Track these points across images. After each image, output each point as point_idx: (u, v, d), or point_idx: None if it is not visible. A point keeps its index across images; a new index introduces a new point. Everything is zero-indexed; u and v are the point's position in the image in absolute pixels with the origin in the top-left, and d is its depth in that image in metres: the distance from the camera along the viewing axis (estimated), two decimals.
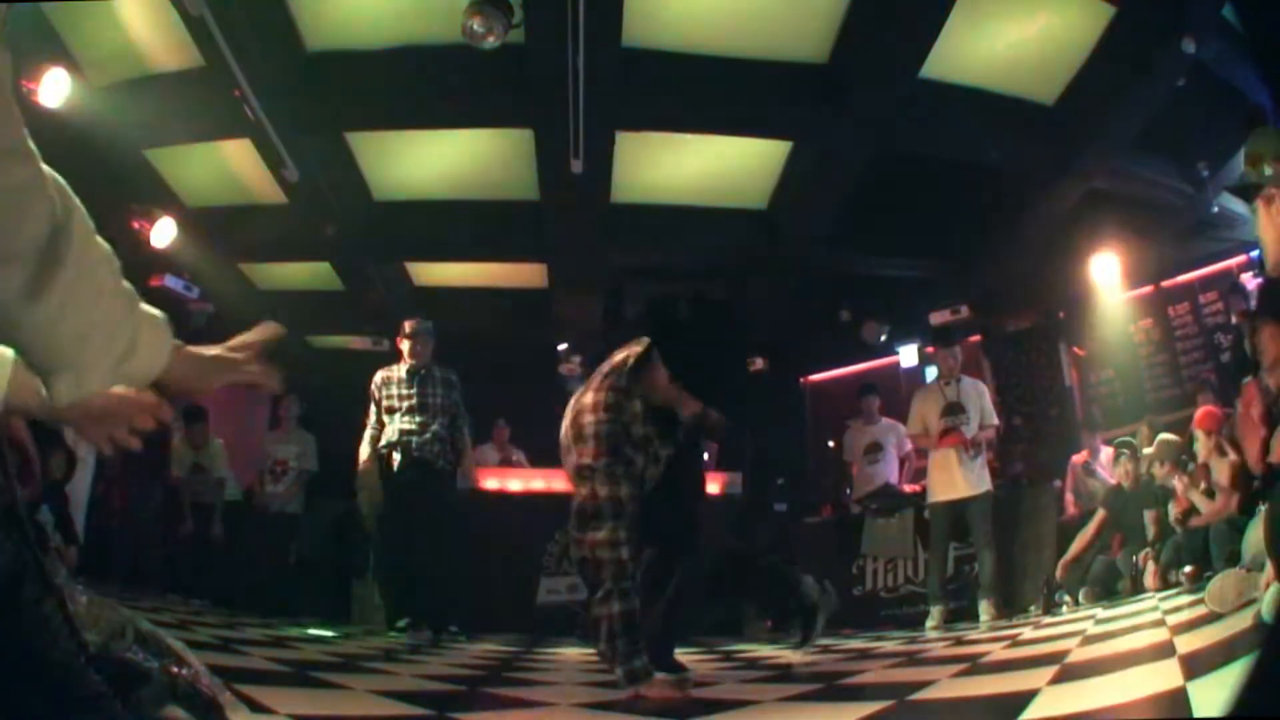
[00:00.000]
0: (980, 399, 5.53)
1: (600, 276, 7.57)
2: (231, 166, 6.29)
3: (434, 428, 4.80)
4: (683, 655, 3.33)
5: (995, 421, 5.61)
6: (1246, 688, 1.16)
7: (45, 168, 0.79)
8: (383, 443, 4.78)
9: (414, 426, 4.77)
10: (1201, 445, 4.44)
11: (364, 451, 4.80)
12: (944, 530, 5.45)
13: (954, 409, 5.46)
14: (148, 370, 0.95)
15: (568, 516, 2.33)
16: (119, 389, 1.01)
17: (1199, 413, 4.70)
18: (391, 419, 4.81)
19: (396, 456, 4.74)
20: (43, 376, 0.82)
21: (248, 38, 4.75)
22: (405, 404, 4.82)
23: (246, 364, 1.10)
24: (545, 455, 5.88)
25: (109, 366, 0.86)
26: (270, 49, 4.94)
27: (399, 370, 4.92)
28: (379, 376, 4.93)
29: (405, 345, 4.94)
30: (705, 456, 4.78)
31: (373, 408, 4.88)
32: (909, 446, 6.56)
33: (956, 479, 5.34)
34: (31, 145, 0.77)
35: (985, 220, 6.87)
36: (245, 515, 6.52)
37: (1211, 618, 2.77)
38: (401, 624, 4.59)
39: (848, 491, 6.90)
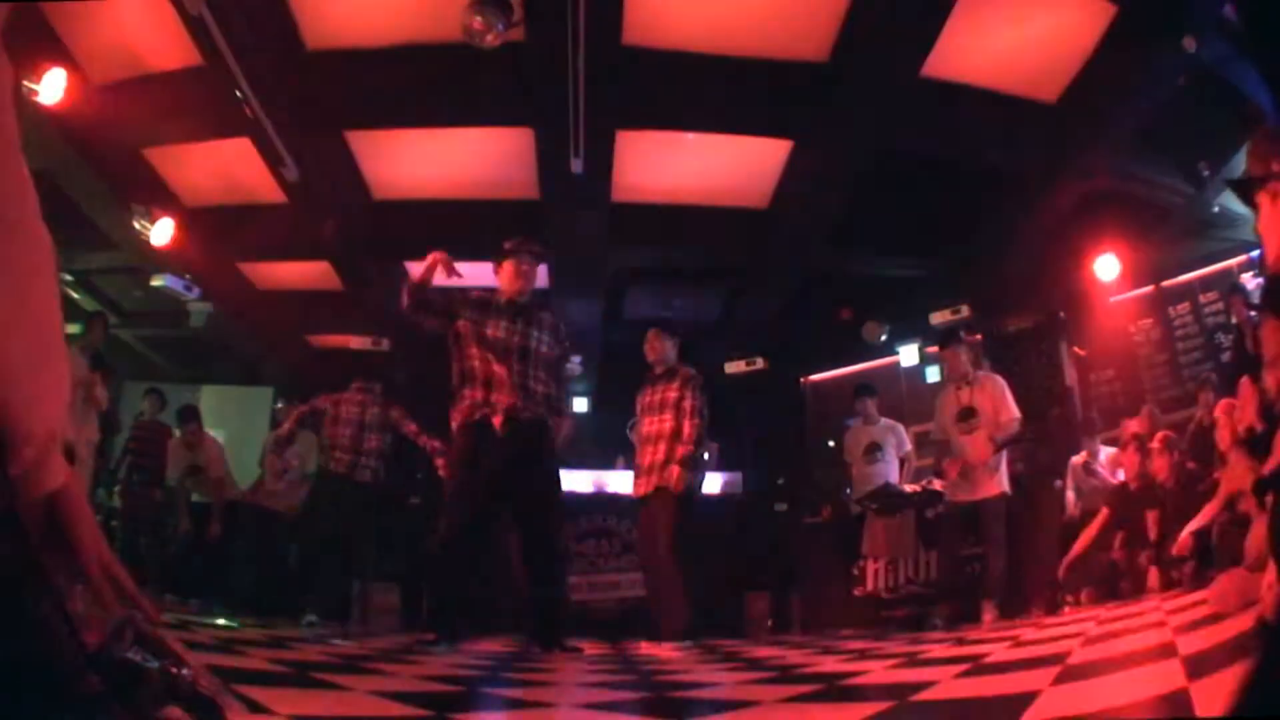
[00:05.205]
0: (996, 397, 5.42)
1: (600, 276, 7.57)
2: (231, 166, 6.29)
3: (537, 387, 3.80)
4: (686, 654, 3.32)
5: (1014, 415, 5.37)
6: (1249, 689, 1.15)
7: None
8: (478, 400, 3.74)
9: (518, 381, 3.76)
10: (1226, 428, 4.32)
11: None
12: (956, 530, 5.44)
13: (967, 413, 5.44)
14: (53, 476, 0.76)
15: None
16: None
17: (1222, 402, 4.63)
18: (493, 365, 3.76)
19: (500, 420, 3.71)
20: None
21: (248, 38, 4.75)
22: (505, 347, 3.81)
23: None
24: None
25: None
26: (270, 49, 4.94)
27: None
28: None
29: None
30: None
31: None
32: (908, 446, 6.56)
33: (974, 479, 5.31)
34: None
35: (985, 219, 6.87)
36: (245, 515, 6.51)
37: (1214, 618, 2.76)
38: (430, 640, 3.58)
39: (848, 491, 6.89)
